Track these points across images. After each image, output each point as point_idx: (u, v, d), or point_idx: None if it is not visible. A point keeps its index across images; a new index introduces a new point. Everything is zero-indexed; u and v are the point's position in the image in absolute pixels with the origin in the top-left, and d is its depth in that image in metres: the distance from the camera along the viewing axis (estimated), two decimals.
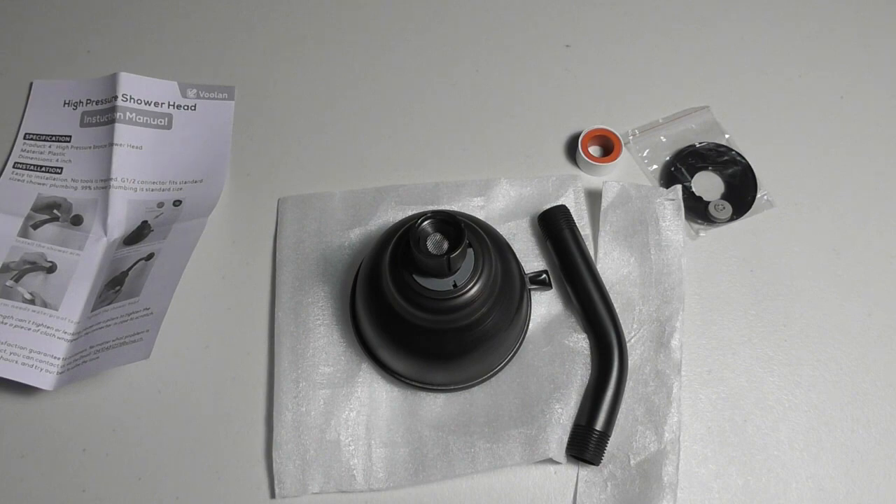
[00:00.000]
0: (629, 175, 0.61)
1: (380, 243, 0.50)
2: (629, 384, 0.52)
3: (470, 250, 0.45)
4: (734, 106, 0.64)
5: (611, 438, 0.50)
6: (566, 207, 0.56)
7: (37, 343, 0.53)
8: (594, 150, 0.62)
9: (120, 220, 0.59)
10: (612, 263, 0.56)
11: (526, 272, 0.54)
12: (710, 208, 0.59)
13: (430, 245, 0.43)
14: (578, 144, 0.60)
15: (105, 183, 0.60)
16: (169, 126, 0.63)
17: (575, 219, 0.56)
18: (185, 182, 0.61)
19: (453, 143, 0.63)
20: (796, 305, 0.56)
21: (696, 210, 0.59)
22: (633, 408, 0.51)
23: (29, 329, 0.53)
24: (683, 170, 0.61)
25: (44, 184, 0.61)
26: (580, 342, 0.53)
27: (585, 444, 0.49)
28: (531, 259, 0.56)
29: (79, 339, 0.53)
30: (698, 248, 0.58)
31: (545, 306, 0.55)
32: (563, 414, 0.51)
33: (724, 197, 0.60)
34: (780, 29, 0.67)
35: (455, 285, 0.44)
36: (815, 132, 0.63)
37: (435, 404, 0.52)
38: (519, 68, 0.67)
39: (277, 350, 0.53)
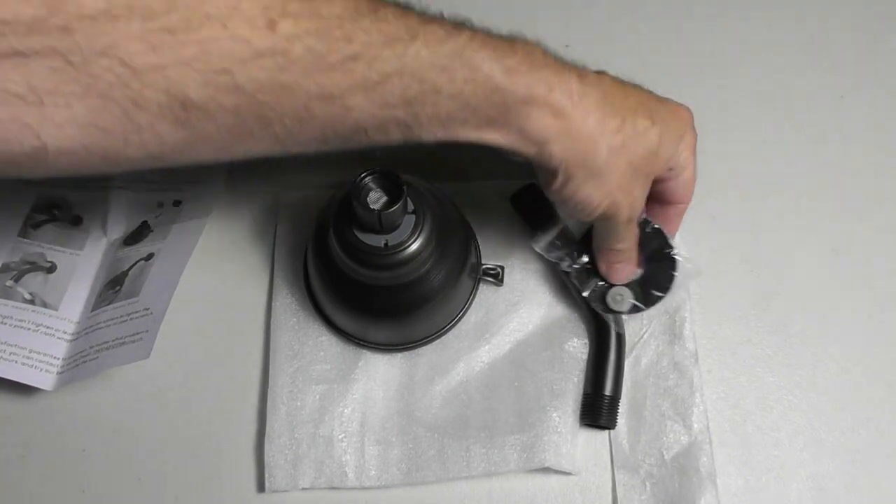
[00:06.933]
0: None
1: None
2: (650, 380, 0.52)
3: (413, 217, 0.46)
4: (733, 106, 0.63)
5: (643, 433, 0.50)
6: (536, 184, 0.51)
7: (37, 343, 0.53)
8: None
9: (120, 220, 0.59)
10: None
11: (483, 264, 0.55)
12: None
13: (370, 199, 0.44)
14: None
15: (105, 183, 0.60)
16: None
17: None
18: (185, 182, 0.61)
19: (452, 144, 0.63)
20: (796, 305, 0.56)
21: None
22: (658, 403, 0.51)
23: (29, 329, 0.53)
24: None
25: (43, 183, 0.61)
26: (580, 348, 0.53)
27: (598, 411, 0.50)
28: (517, 244, 0.56)
29: (79, 339, 0.53)
30: (698, 249, 0.58)
31: (545, 307, 0.55)
32: (561, 423, 0.51)
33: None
34: (780, 29, 0.67)
35: (386, 245, 0.45)
36: (815, 132, 0.62)
37: (431, 406, 0.52)
38: None
39: (274, 346, 0.53)
